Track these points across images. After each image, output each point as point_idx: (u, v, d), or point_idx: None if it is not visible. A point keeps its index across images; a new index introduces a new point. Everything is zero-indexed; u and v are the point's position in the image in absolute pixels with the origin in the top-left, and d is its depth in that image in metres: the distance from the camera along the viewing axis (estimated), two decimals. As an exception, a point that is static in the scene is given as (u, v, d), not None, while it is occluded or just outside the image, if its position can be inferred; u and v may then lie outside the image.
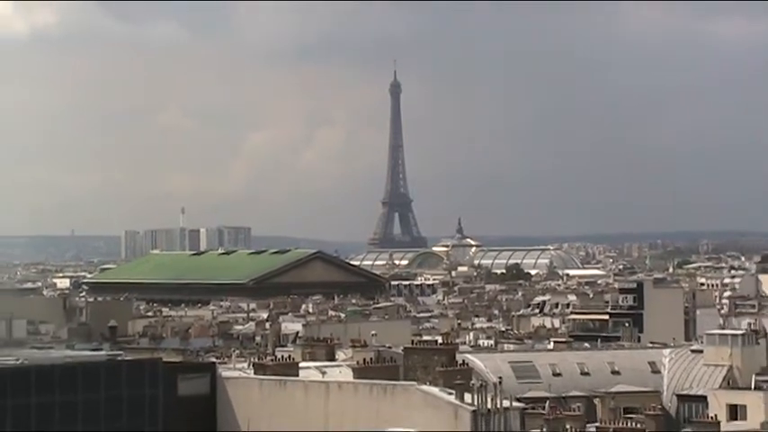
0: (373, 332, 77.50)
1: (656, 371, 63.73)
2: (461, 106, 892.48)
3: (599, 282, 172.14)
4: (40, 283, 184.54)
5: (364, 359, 47.90)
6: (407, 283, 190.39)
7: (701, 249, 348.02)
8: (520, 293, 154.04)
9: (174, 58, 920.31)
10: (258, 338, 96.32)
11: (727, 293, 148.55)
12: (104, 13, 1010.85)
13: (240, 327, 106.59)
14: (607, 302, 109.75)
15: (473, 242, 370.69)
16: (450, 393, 41.28)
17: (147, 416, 45.76)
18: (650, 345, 74.71)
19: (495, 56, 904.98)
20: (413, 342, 57.79)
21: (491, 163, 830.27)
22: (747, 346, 62.33)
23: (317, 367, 48.95)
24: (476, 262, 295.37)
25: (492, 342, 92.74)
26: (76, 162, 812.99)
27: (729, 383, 60.43)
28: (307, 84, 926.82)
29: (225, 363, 56.73)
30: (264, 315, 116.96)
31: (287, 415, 44.93)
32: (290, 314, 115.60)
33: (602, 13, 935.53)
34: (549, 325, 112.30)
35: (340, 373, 47.98)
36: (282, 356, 51.77)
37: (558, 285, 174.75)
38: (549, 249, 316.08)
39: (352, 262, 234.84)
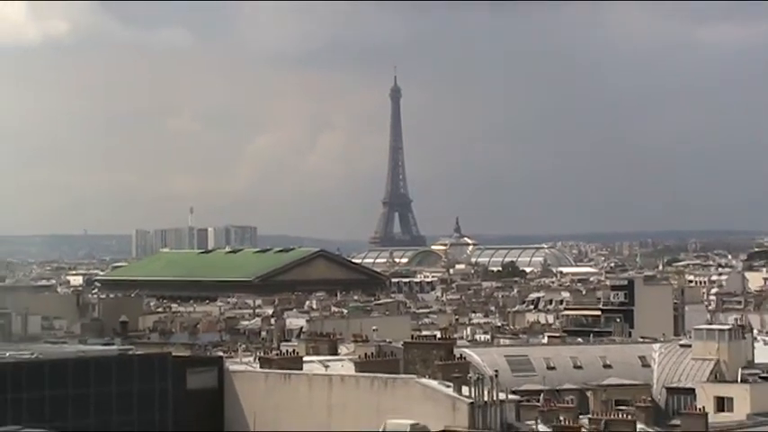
0: (374, 327, 77.50)
1: (646, 365, 63.67)
2: (459, 110, 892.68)
3: (591, 279, 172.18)
4: (54, 281, 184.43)
5: (366, 353, 47.90)
6: (407, 280, 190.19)
7: (689, 248, 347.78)
8: (515, 290, 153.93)
9: (181, 63, 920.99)
10: (264, 333, 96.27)
11: (714, 290, 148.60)
12: (112, 19, 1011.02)
13: (246, 322, 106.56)
14: (599, 299, 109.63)
15: (470, 241, 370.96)
16: (449, 386, 41.32)
17: (158, 408, 45.81)
18: (641, 339, 74.65)
19: (492, 60, 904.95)
20: (412, 337, 57.70)
21: (488, 165, 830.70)
22: (734, 341, 62.26)
23: (320, 361, 48.99)
24: (473, 260, 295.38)
25: (488, 337, 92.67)
26: (89, 164, 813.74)
27: (717, 377, 60.38)
28: (310, 88, 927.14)
29: (232, 357, 56.67)
30: (270, 311, 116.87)
31: (291, 407, 44.96)
32: (294, 310, 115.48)
33: (600, 16, 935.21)
34: (543, 320, 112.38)
35: (342, 366, 47.99)
36: (287, 351, 51.81)
37: (552, 282, 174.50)
38: (543, 248, 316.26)
39: (353, 260, 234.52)
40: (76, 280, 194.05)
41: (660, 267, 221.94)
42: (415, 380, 42.63)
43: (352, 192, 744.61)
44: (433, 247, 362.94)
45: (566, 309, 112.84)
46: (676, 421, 50.86)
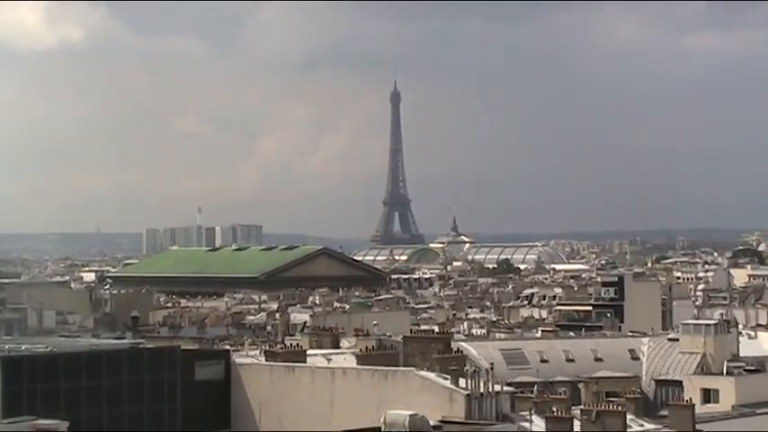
0: (375, 322, 77.40)
1: (635, 358, 63.69)
2: (456, 114, 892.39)
3: (583, 276, 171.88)
4: (68, 277, 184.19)
5: (367, 347, 47.87)
6: (406, 276, 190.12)
7: (677, 246, 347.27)
8: (510, 286, 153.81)
9: (189, 69, 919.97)
10: (269, 328, 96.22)
11: (701, 286, 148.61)
12: (125, 28, 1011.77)
13: (252, 317, 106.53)
14: (590, 295, 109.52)
15: (467, 239, 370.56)
16: (446, 378, 41.30)
17: (167, 399, 45.80)
18: (630, 334, 74.54)
19: (488, 66, 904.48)
20: (411, 331, 57.84)
21: (483, 166, 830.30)
22: (719, 335, 62.29)
23: (323, 354, 48.94)
24: (469, 257, 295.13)
25: (484, 331, 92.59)
26: (101, 165, 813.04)
27: (703, 369, 60.40)
28: (313, 93, 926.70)
29: (238, 350, 56.69)
30: (275, 306, 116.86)
31: (295, 398, 44.95)
32: (298, 305, 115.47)
33: (594, 21, 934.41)
34: (536, 315, 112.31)
35: (344, 359, 47.97)
36: (291, 344, 51.80)
37: (546, 279, 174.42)
38: (536, 246, 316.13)
39: (355, 257, 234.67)
40: (89, 276, 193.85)
41: (649, 264, 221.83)
42: (414, 372, 42.60)
43: (353, 192, 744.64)
44: (431, 245, 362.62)
45: (558, 304, 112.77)
46: (664, 412, 50.82)
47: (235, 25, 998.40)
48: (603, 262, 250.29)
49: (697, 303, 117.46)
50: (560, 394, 45.86)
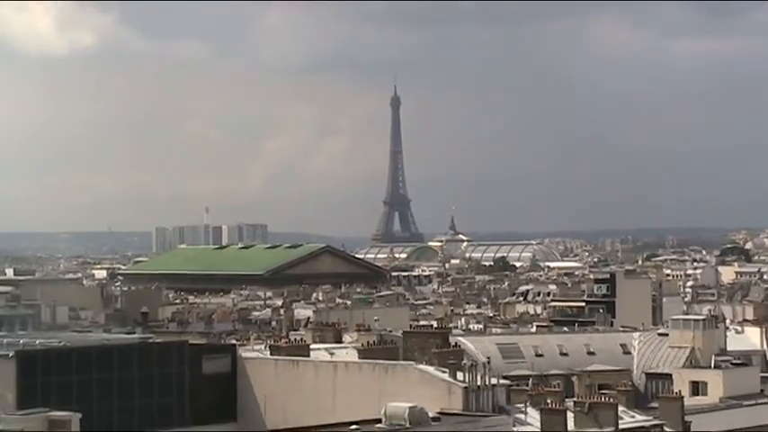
0: (376, 318, 77.53)
1: (626, 352, 63.70)
2: (454, 117, 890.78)
3: (576, 273, 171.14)
4: (80, 274, 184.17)
5: (368, 342, 47.91)
6: (406, 274, 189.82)
7: (666, 244, 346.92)
8: (506, 283, 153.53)
9: (196, 72, 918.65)
10: (274, 323, 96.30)
11: (689, 283, 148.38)
12: (134, 32, 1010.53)
13: (258, 313, 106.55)
14: (583, 291, 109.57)
15: (464, 237, 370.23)
16: (444, 372, 41.29)
17: (176, 392, 45.83)
18: (622, 329, 74.59)
19: (486, 70, 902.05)
20: (411, 326, 57.66)
21: (481, 167, 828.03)
22: (708, 330, 62.34)
23: (326, 349, 48.96)
24: (467, 255, 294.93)
25: (481, 326, 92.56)
26: (113, 167, 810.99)
27: (692, 363, 60.44)
28: (316, 96, 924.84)
29: (244, 345, 56.65)
30: (279, 302, 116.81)
31: (299, 391, 44.94)
32: (302, 302, 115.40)
33: (585, 30, 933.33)
34: (531, 311, 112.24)
35: (346, 354, 47.99)
36: (295, 339, 51.77)
37: (540, 276, 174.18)
38: (531, 244, 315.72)
39: (357, 255, 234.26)
40: (101, 274, 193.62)
41: (640, 262, 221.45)
42: (414, 366, 42.61)
43: (355, 192, 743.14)
44: (430, 243, 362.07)
45: (552, 300, 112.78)
46: (655, 404, 50.83)
47: (240, 31, 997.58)
48: (596, 260, 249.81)
49: (686, 300, 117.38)
50: (554, 387, 45.82)
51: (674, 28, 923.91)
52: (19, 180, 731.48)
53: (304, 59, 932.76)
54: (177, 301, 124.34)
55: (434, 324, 61.66)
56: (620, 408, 43.77)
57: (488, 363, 42.76)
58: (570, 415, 41.64)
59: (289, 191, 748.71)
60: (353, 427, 36.83)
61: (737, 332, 68.50)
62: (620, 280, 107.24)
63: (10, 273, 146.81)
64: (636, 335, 65.76)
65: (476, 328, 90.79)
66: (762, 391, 57.10)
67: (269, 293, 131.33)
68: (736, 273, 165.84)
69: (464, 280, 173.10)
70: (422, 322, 75.54)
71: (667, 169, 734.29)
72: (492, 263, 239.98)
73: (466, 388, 39.94)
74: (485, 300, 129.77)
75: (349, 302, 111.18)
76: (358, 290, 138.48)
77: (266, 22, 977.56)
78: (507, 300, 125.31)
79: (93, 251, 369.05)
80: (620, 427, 42.67)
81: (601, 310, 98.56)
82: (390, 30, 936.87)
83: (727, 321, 74.30)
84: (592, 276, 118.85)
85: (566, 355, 63.48)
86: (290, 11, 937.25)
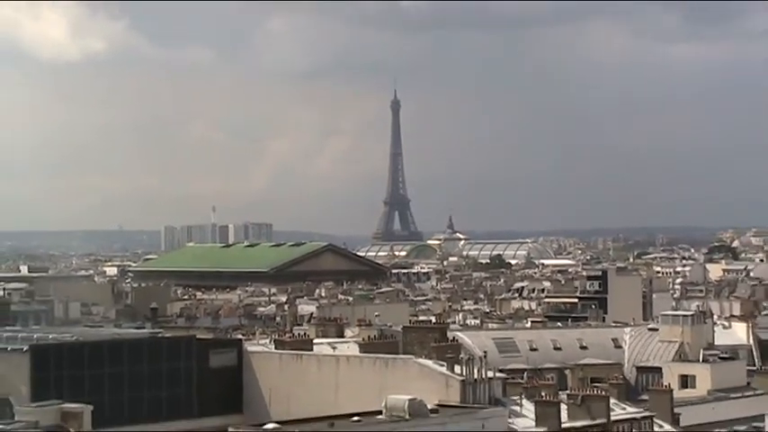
0: (376, 313, 77.41)
1: (618, 346, 63.69)
2: (453, 120, 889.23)
3: (569, 270, 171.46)
4: (92, 271, 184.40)
5: (369, 336, 47.86)
6: (406, 271, 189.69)
7: (656, 242, 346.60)
8: (502, 280, 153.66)
9: (202, 76, 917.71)
10: (278, 318, 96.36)
11: (679, 280, 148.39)
12: (144, 39, 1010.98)
13: (263, 308, 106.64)
14: (576, 288, 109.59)
15: (462, 236, 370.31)
16: (443, 365, 41.30)
17: (184, 384, 45.86)
18: (613, 324, 74.59)
19: (484, 74, 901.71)
20: (410, 322, 57.80)
21: (478, 168, 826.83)
22: (696, 325, 62.33)
23: (328, 343, 48.93)
24: (464, 253, 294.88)
25: (478, 321, 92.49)
26: (123, 168, 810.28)
27: (681, 357, 60.45)
28: (318, 99, 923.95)
29: (250, 339, 56.71)
30: (283, 299, 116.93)
31: (303, 384, 44.95)
32: (305, 298, 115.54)
33: (581, 36, 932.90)
34: (526, 307, 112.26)
35: (348, 348, 47.94)
36: (299, 334, 51.79)
37: (535, 273, 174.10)
38: (527, 242, 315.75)
39: (358, 253, 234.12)
40: (112, 271, 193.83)
41: (631, 260, 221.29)
42: (413, 360, 42.62)
43: (356, 192, 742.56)
44: (428, 241, 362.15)
45: (547, 297, 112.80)
46: (645, 397, 50.89)
47: (243, 36, 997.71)
48: (588, 257, 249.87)
49: (675, 296, 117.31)
50: (548, 380, 45.90)
51: (669, 34, 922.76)
52: (32, 181, 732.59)
53: (306, 63, 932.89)
54: (185, 297, 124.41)
55: (433, 319, 61.83)
56: (612, 400, 43.82)
57: (485, 357, 42.78)
58: (564, 407, 41.67)
59: (292, 191, 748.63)
60: (355, 418, 36.84)
61: (725, 327, 68.48)
62: (612, 277, 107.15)
63: (24, 270, 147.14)
64: (627, 330, 65.74)
65: (473, 323, 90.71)
66: (748, 383, 57.11)
67: (273, 290, 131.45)
68: (724, 270, 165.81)
69: (461, 277, 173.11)
70: (421, 318, 75.70)
71: (664, 170, 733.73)
72: (488, 260, 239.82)
73: (463, 381, 39.95)
74: (481, 296, 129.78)
75: (351, 298, 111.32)
76: (359, 286, 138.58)
77: (269, 27, 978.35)
78: (503, 296, 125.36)
79: (104, 249, 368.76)
80: (612, 418, 42.72)
81: (593, 306, 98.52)
82: (390, 33, 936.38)
83: (715, 317, 74.26)
84: (584, 273, 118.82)
85: (559, 349, 63.48)
86: (292, 16, 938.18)
